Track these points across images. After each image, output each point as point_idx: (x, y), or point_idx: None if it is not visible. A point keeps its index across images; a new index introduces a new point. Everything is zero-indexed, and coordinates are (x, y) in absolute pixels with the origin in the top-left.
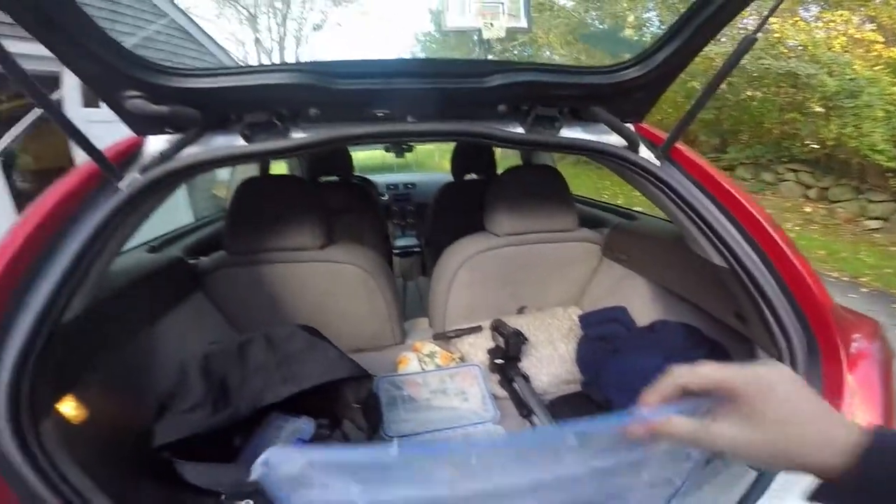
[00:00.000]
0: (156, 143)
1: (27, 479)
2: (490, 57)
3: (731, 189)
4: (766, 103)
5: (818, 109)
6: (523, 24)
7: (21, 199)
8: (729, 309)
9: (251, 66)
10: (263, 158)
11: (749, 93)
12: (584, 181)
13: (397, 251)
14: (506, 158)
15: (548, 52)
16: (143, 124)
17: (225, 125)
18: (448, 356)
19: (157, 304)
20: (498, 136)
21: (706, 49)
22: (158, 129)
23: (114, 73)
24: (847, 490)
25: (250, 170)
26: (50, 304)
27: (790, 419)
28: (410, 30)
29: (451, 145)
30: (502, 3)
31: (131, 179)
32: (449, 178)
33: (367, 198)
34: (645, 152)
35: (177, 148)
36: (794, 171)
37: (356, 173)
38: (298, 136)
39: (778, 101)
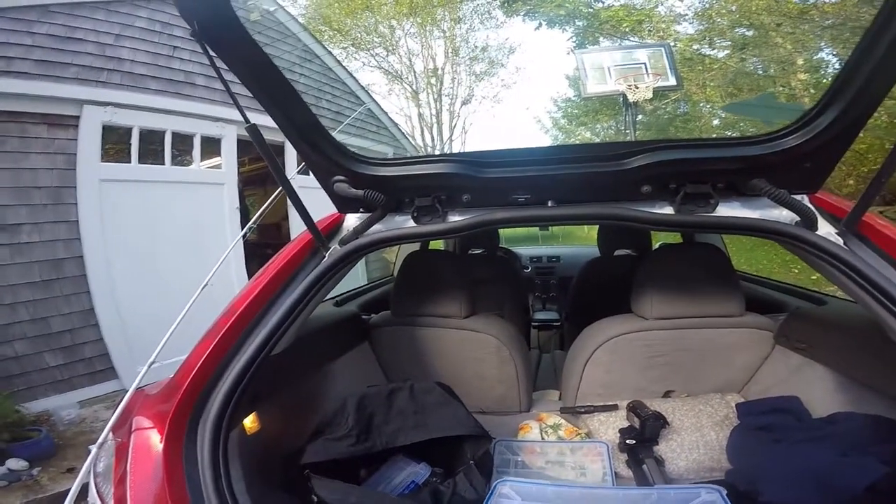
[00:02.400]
0: (351, 220)
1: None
2: (640, 117)
3: None
4: None
5: None
6: (672, 81)
7: (247, 247)
8: None
9: (421, 157)
10: (429, 238)
11: None
12: (767, 252)
13: (536, 324)
14: (668, 235)
15: (707, 106)
16: (344, 204)
17: (401, 207)
18: (573, 430)
19: (334, 348)
20: (640, 217)
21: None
22: (355, 209)
23: (328, 161)
24: None
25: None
26: (266, 340)
27: None
28: (549, 95)
29: None
30: (644, 64)
31: (333, 249)
32: (595, 251)
33: (509, 269)
34: (824, 227)
35: (366, 225)
36: None
37: (503, 245)
38: (454, 219)
39: None
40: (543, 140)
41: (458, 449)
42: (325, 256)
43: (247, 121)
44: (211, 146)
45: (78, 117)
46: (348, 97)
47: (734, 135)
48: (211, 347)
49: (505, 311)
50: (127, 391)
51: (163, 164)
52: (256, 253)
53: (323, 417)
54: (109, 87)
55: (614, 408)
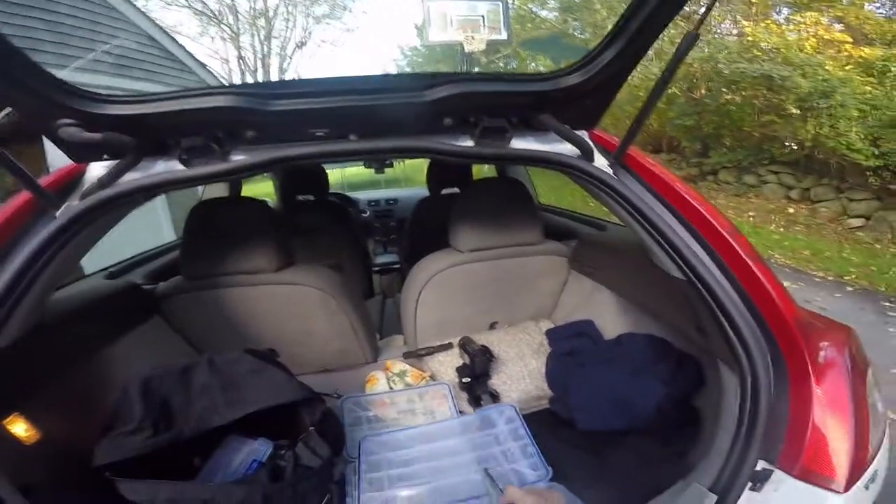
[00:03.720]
0: (96, 170)
1: None
2: (475, 69)
3: (688, 196)
4: (744, 107)
5: (794, 111)
6: (503, 36)
7: None
8: (691, 322)
9: (184, 91)
10: (202, 182)
11: (728, 97)
12: (572, 192)
13: (377, 268)
14: (489, 171)
15: (533, 65)
16: (80, 152)
17: (164, 150)
18: (419, 375)
19: (109, 330)
20: (442, 150)
21: (688, 57)
22: (97, 157)
23: (46, 102)
24: None
25: (223, 191)
26: None
27: None
28: (395, 44)
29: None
30: (482, 16)
31: (66, 207)
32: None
33: (343, 215)
34: (599, 160)
35: (114, 174)
36: (776, 172)
37: (340, 191)
38: (237, 158)
39: (756, 105)
40: None
41: (295, 417)
42: (55, 217)
43: None
44: None
45: None
46: (140, 39)
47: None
48: None
49: (342, 259)
50: None
51: None
52: None
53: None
54: None
55: (449, 346)
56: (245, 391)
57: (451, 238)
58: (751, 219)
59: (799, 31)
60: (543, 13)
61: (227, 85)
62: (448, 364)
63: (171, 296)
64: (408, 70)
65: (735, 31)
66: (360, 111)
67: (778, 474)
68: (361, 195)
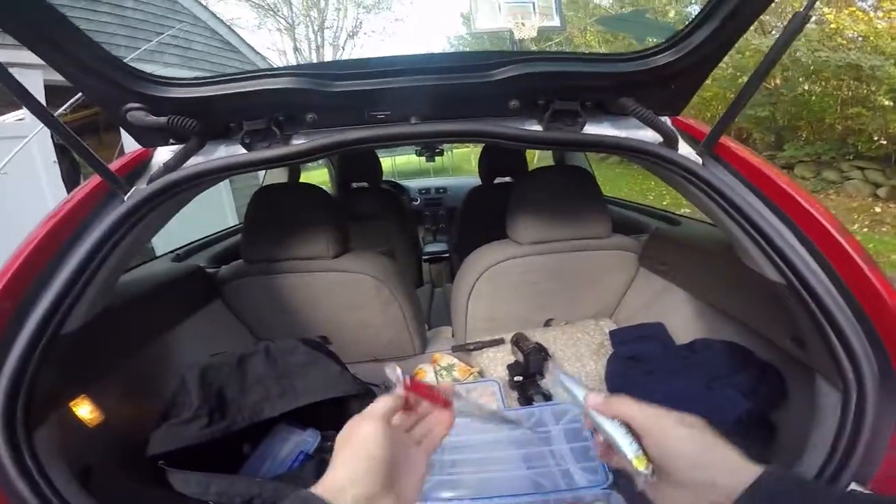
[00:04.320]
0: (163, 154)
1: (15, 485)
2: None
3: (789, 189)
4: (826, 98)
5: (886, 103)
6: (556, 22)
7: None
8: (785, 331)
9: (245, 72)
10: (263, 166)
11: (806, 87)
12: (628, 182)
13: (426, 257)
14: (542, 160)
15: (587, 52)
16: (147, 137)
17: (227, 134)
18: (467, 370)
19: (173, 313)
20: (509, 134)
21: (757, 44)
22: (163, 141)
23: (114, 87)
24: None
25: (283, 176)
26: (50, 314)
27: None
28: (443, 33)
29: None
30: (533, 2)
31: (135, 190)
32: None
33: (395, 203)
34: (685, 148)
35: (180, 158)
36: (861, 168)
37: (391, 178)
38: (298, 143)
39: (839, 95)
40: None
41: (345, 409)
42: (123, 200)
43: None
44: (10, 96)
45: None
46: (202, 31)
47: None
48: None
49: (394, 247)
50: None
51: None
52: None
53: (166, 399)
54: None
55: (501, 342)
56: (298, 382)
57: (510, 229)
58: None
59: (889, 18)
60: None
61: (288, 66)
62: (498, 360)
63: (232, 279)
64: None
65: (813, 18)
66: (421, 92)
67: None
68: (412, 183)
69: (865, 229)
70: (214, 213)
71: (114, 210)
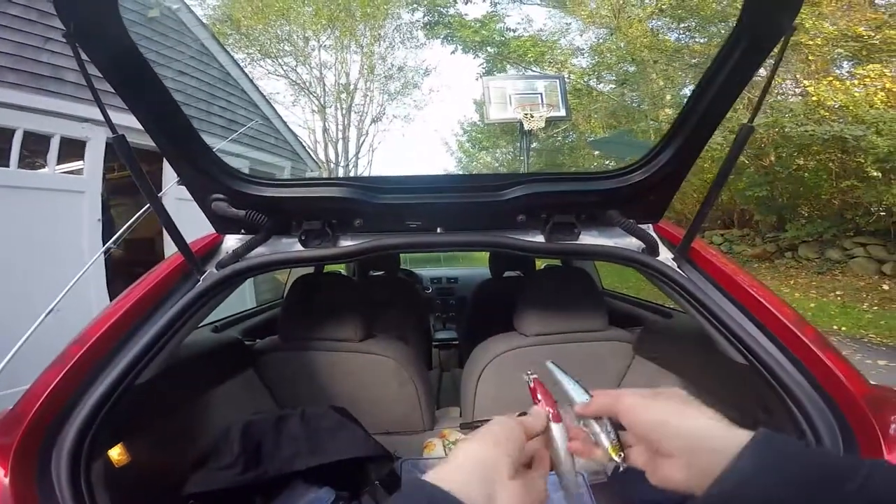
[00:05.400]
0: (231, 241)
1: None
2: (534, 144)
3: (750, 288)
4: (819, 172)
5: (875, 174)
6: (562, 112)
7: (112, 264)
8: (757, 403)
9: (311, 179)
10: (317, 263)
11: (800, 162)
12: (634, 273)
13: (437, 343)
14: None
15: (591, 136)
16: (224, 224)
17: (287, 230)
18: None
19: (213, 377)
20: (518, 246)
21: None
22: (236, 230)
23: (206, 177)
24: None
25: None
26: (129, 368)
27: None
28: (456, 120)
29: None
30: (540, 94)
31: (209, 273)
32: (489, 272)
33: (410, 291)
34: (664, 253)
35: (248, 248)
36: (863, 244)
37: (405, 266)
38: (346, 244)
39: (832, 169)
40: (449, 161)
41: (362, 471)
42: (198, 280)
43: (114, 131)
44: (74, 149)
45: None
46: (245, 105)
47: (594, 168)
48: (60, 376)
49: (407, 333)
50: None
51: (7, 166)
52: (122, 272)
53: (207, 446)
54: None
55: None
56: (327, 443)
57: (516, 322)
58: (838, 298)
59: (864, 85)
60: (600, 86)
61: (344, 177)
62: None
63: (268, 352)
64: (476, 167)
65: (798, 91)
66: (448, 207)
67: None
68: (424, 272)
69: (875, 307)
70: (237, 293)
71: (190, 289)
